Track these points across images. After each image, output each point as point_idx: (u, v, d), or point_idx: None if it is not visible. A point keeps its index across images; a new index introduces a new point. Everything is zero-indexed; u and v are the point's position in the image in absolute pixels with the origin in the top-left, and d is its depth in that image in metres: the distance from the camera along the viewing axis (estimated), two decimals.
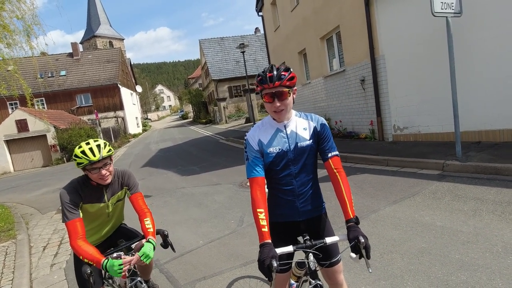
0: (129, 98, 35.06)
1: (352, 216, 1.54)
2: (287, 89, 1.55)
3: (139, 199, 2.24)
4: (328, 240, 1.55)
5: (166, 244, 2.17)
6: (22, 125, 20.40)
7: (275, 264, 1.35)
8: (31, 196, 10.01)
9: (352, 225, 1.51)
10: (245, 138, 1.71)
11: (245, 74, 18.05)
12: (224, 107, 29.06)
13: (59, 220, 6.36)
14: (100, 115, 27.28)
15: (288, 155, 1.64)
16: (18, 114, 20.66)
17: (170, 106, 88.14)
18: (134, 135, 31.61)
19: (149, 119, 61.94)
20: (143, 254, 1.91)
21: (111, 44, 52.41)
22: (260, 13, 16.34)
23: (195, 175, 8.64)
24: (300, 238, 1.70)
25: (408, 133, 7.57)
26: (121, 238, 2.29)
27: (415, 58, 6.96)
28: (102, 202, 2.16)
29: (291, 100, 1.59)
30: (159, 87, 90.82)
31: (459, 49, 5.60)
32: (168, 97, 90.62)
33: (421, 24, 6.56)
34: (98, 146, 1.98)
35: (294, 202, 1.68)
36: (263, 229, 1.49)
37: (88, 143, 1.99)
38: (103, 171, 1.99)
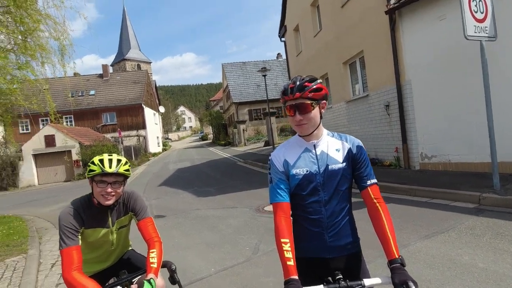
0: (152, 118, 36.09)
1: (397, 256, 1.30)
2: (310, 102, 1.35)
3: (149, 225, 1.98)
4: (367, 282, 1.29)
5: (173, 280, 1.91)
6: (49, 140, 21.19)
7: None
8: (49, 210, 10.10)
9: (398, 266, 1.26)
10: (270, 158, 1.50)
11: (265, 98, 18.13)
12: (243, 130, 29.22)
13: None
14: (123, 133, 28.06)
15: (316, 178, 1.42)
16: (47, 130, 21.52)
17: (190, 127, 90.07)
18: (154, 154, 32.14)
19: (170, 139, 63.23)
20: None
21: (139, 66, 55.12)
22: (283, 39, 16.63)
23: (210, 196, 8.44)
24: (330, 278, 1.42)
25: (436, 162, 7.12)
26: (124, 268, 2.03)
27: (443, 83, 6.66)
28: (106, 227, 1.94)
29: (316, 114, 1.38)
30: (181, 108, 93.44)
31: (491, 74, 5.28)
32: (189, 118, 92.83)
33: (448, 49, 6.33)
34: (118, 160, 1.82)
35: (322, 235, 1.43)
36: (288, 263, 1.27)
37: (110, 155, 1.84)
38: (109, 189, 1.79)
